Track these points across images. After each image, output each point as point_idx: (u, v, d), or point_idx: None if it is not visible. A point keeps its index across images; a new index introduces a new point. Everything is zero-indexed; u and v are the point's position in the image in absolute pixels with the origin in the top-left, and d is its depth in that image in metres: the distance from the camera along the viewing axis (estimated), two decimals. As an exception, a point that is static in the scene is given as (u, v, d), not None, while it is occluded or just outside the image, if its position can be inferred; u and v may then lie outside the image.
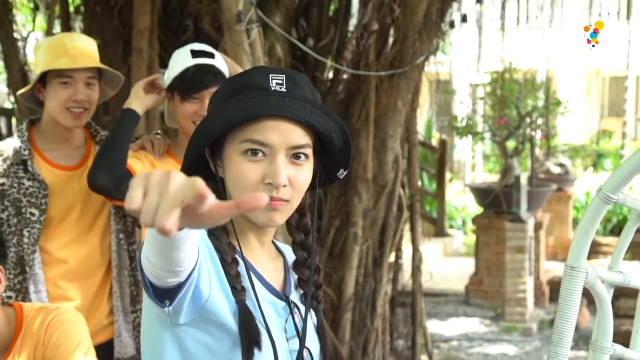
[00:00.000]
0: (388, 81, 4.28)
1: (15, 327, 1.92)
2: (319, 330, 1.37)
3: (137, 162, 2.39)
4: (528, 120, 7.44)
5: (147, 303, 1.21)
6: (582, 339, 5.99)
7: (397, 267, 5.01)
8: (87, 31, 4.62)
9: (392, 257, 4.88)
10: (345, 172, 1.38)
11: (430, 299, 7.08)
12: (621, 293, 6.47)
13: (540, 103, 7.61)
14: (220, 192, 1.30)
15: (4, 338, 1.91)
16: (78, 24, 4.81)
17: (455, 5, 4.51)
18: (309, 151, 1.27)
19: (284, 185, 1.23)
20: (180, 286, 1.11)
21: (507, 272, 6.58)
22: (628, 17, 13.05)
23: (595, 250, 8.31)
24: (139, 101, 2.46)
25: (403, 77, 4.27)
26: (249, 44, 3.38)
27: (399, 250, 4.96)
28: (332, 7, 4.92)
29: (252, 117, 1.21)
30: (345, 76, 4.53)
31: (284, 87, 1.24)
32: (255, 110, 1.21)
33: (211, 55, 2.44)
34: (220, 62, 2.46)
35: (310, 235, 1.37)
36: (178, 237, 0.98)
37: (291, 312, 1.31)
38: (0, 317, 1.90)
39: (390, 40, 4.32)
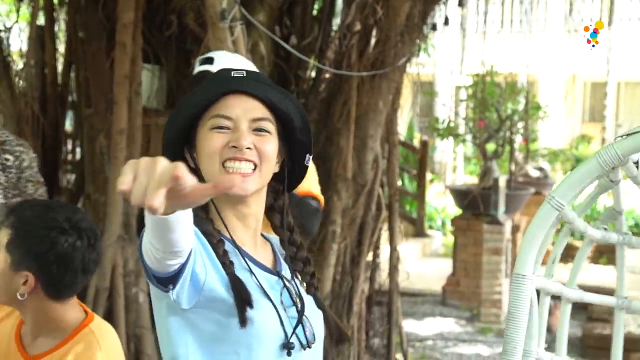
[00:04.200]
0: (369, 82, 4.32)
1: (66, 336, 1.79)
2: (320, 308, 1.49)
3: None
4: (508, 123, 7.51)
5: (155, 295, 1.33)
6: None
7: (374, 266, 5.05)
8: (71, 24, 4.62)
9: (370, 256, 4.92)
10: (310, 157, 1.49)
11: (408, 299, 7.13)
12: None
13: (521, 107, 7.69)
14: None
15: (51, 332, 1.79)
16: (62, 16, 4.81)
17: (437, 8, 4.56)
18: (271, 127, 1.41)
19: (248, 148, 1.36)
20: (180, 271, 1.22)
21: (483, 274, 6.65)
22: (609, 24, 13.18)
23: (571, 254, 8.41)
24: None
25: (384, 78, 4.31)
26: (232, 42, 3.41)
27: (376, 249, 5.00)
28: (316, 7, 4.95)
29: (215, 94, 1.38)
30: (327, 75, 4.57)
31: (244, 75, 1.42)
32: (217, 88, 1.39)
33: (209, 61, 2.47)
34: (217, 66, 2.47)
35: (295, 232, 1.50)
36: (171, 220, 1.09)
37: (285, 285, 1.43)
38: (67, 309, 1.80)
39: (373, 41, 4.36)
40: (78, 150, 5.02)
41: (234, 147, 1.35)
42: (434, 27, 4.56)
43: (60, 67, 4.86)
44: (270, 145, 1.39)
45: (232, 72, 1.42)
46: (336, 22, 4.89)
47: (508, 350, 1.26)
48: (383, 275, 5.19)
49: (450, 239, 9.59)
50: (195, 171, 1.40)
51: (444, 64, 13.86)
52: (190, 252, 1.22)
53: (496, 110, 7.40)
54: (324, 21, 4.75)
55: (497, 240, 6.58)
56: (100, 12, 4.19)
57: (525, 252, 1.24)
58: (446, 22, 4.57)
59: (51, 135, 4.67)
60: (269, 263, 1.46)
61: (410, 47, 4.36)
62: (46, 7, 4.64)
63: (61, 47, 4.88)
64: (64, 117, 4.89)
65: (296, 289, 1.45)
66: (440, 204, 11.44)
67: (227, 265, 1.33)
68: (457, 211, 8.20)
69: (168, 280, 1.24)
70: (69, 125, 5.16)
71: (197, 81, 2.42)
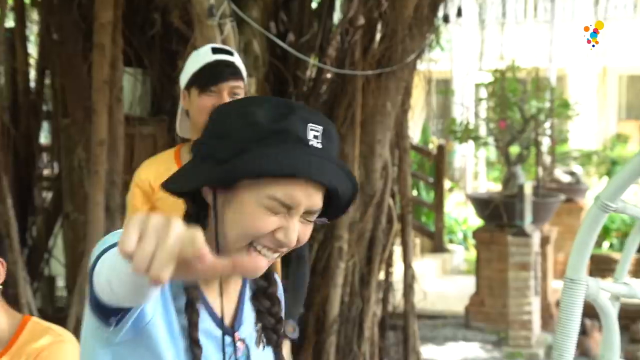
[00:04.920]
0: (376, 81, 4.34)
1: (11, 337, 1.90)
2: None
3: None
4: (533, 123, 7.51)
5: (87, 315, 1.25)
6: (593, 365, 6.04)
7: (387, 285, 5.06)
8: (43, 25, 4.65)
9: (381, 275, 4.93)
10: (326, 222, 1.43)
11: (427, 322, 7.13)
12: (638, 316, 6.55)
13: (547, 105, 7.69)
14: (199, 216, 1.33)
15: None
16: (34, 16, 4.85)
17: (449, -3, 4.58)
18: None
19: None
20: (130, 308, 1.15)
21: (510, 292, 6.64)
22: (645, 11, 13.19)
23: (611, 268, 8.39)
24: None
25: (392, 76, 4.33)
26: (222, 41, 3.43)
27: (389, 266, 5.00)
28: (315, 0, 4.98)
29: (290, 175, 1.25)
30: (329, 75, 4.59)
31: (320, 141, 1.29)
32: (294, 169, 1.25)
33: (231, 53, 2.57)
34: (238, 60, 2.56)
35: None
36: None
37: (234, 349, 1.36)
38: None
39: (378, 36, 4.38)
40: (54, 164, 5.05)
41: (278, 238, 1.27)
42: (445, 19, 4.58)
43: (32, 73, 4.90)
44: (309, 231, 1.33)
45: (309, 131, 1.28)
46: (337, 16, 4.91)
47: (555, 357, 1.33)
48: (397, 296, 5.19)
49: (473, 253, 9.59)
50: (205, 206, 1.32)
51: (461, 59, 13.88)
52: None
53: (519, 110, 7.40)
54: (324, 16, 4.78)
55: (524, 254, 6.57)
56: (75, 12, 4.23)
57: (577, 256, 1.31)
58: (459, 13, 4.59)
59: (24, 149, 4.70)
60: (230, 313, 1.39)
61: (420, 42, 4.38)
62: (16, 8, 4.68)
63: (33, 51, 4.92)
64: (38, 128, 4.93)
65: (249, 351, 1.39)
66: (461, 215, 11.44)
67: (192, 325, 1.28)
68: (480, 223, 8.21)
69: (112, 312, 1.15)
70: (43, 138, 5.20)
71: (207, 72, 2.47)
